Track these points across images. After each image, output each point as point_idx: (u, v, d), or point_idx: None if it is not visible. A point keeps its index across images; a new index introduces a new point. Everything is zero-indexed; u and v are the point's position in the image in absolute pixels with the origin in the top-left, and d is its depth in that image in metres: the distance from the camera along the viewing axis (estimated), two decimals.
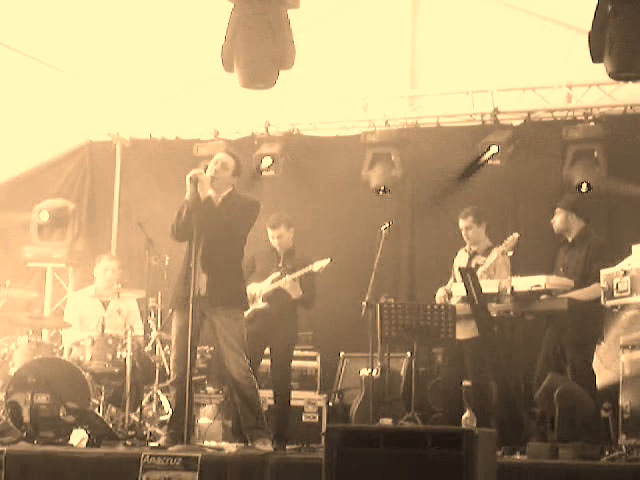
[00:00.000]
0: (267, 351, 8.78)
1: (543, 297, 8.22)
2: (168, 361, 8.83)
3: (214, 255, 7.27)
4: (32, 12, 9.30)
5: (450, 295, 8.82)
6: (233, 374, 7.33)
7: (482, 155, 10.06)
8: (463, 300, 8.44)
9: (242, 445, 7.56)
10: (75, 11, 9.49)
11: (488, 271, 8.57)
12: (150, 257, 8.94)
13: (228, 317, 7.33)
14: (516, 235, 8.53)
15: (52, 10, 9.36)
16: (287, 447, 8.04)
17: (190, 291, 7.12)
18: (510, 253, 8.55)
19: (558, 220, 8.69)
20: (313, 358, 9.88)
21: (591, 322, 8.20)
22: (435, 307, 8.43)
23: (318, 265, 8.63)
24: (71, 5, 9.29)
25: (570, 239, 8.70)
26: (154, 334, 9.19)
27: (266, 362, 8.87)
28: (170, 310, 7.76)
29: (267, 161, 10.66)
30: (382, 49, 10.84)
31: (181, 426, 7.06)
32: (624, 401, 7.37)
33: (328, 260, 8.62)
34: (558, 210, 8.72)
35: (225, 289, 7.32)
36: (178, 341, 7.30)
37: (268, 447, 7.22)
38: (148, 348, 9.13)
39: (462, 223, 8.95)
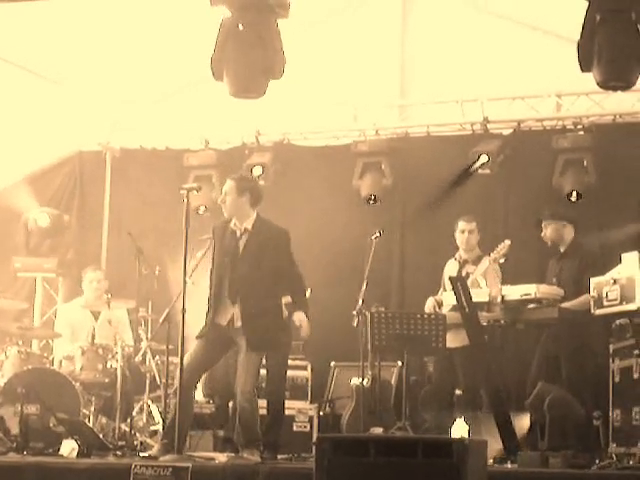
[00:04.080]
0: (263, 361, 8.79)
1: (531, 306, 8.23)
2: (159, 371, 8.83)
3: (244, 289, 7.30)
4: (21, 22, 9.29)
5: (440, 304, 8.83)
6: (238, 393, 7.37)
7: (472, 164, 10.07)
8: (454, 309, 8.44)
9: (233, 455, 7.56)
10: (64, 21, 9.48)
11: (478, 278, 8.59)
12: (140, 267, 8.93)
13: (251, 346, 7.33)
14: (507, 242, 8.55)
15: (41, 20, 9.34)
16: (278, 456, 8.02)
17: (223, 322, 7.27)
18: (502, 260, 8.56)
19: (550, 231, 8.70)
20: (304, 367, 9.85)
21: (583, 330, 8.22)
22: (426, 316, 8.44)
23: None
24: (60, 15, 9.27)
25: (563, 249, 8.72)
26: (144, 344, 9.18)
27: (263, 372, 8.86)
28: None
29: (257, 170, 10.66)
30: (372, 58, 10.85)
31: (174, 437, 7.06)
32: (614, 409, 7.37)
33: (309, 290, 8.60)
34: (548, 222, 8.72)
35: (256, 329, 7.31)
36: (191, 360, 7.32)
37: (255, 457, 7.23)
38: (138, 358, 9.12)
39: (464, 226, 8.93)
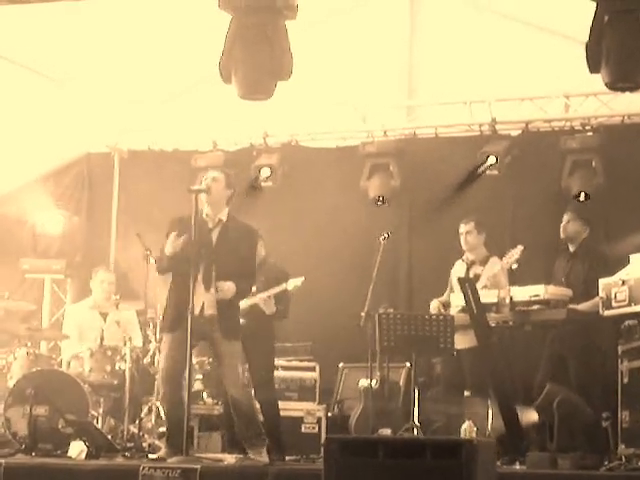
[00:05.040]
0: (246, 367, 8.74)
1: (540, 307, 8.22)
2: None
3: (218, 277, 7.28)
4: (31, 25, 9.30)
5: (445, 306, 8.85)
6: (230, 389, 7.34)
7: (480, 165, 10.07)
8: (462, 310, 8.44)
9: (241, 456, 7.55)
10: (74, 23, 9.49)
11: (489, 280, 8.58)
12: (148, 268, 8.93)
13: (227, 336, 7.32)
14: (520, 247, 8.51)
15: (51, 23, 9.35)
16: (286, 458, 8.01)
17: (194, 311, 7.14)
18: (515, 266, 8.54)
19: (569, 228, 8.71)
20: (312, 369, 9.86)
21: (591, 332, 8.21)
22: (434, 317, 8.43)
23: (292, 283, 8.58)
24: (71, 18, 9.28)
25: (573, 248, 8.72)
26: (153, 345, 9.18)
27: None
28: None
29: (265, 172, 10.67)
30: (380, 60, 10.85)
31: (179, 439, 7.06)
32: (623, 411, 7.36)
33: (302, 278, 8.58)
34: (568, 217, 8.73)
35: (234, 317, 7.35)
36: (167, 358, 7.27)
37: (263, 457, 7.22)
38: (147, 359, 9.12)
39: (463, 228, 9.00)
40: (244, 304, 8.37)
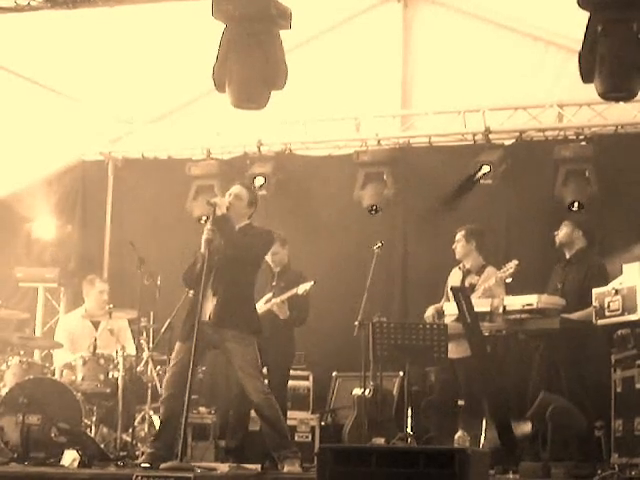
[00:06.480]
0: (265, 371, 8.75)
1: (530, 316, 8.23)
2: (160, 381, 8.81)
3: (226, 279, 7.28)
4: (26, 34, 9.30)
5: (440, 314, 8.85)
6: (253, 398, 7.30)
7: (474, 174, 10.07)
8: (456, 319, 8.44)
9: (234, 465, 7.53)
10: (68, 33, 9.48)
11: (485, 292, 8.59)
12: (142, 277, 8.93)
13: (239, 344, 7.27)
14: (515, 262, 8.52)
15: (46, 32, 9.35)
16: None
17: (205, 318, 7.14)
18: (509, 280, 8.54)
19: (562, 233, 8.74)
20: (306, 378, 9.86)
21: (584, 341, 8.22)
22: (427, 326, 8.43)
23: (302, 288, 8.61)
24: (64, 26, 9.28)
25: (568, 255, 8.73)
26: (146, 354, 9.17)
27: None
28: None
29: (259, 180, 10.66)
30: (374, 69, 10.86)
31: (164, 445, 7.04)
32: (616, 420, 7.37)
33: (312, 282, 8.60)
34: (566, 223, 8.78)
35: (235, 313, 7.29)
36: (177, 365, 7.24)
37: (296, 468, 7.20)
38: (140, 368, 9.11)
39: (456, 237, 9.06)
40: (262, 309, 8.41)
